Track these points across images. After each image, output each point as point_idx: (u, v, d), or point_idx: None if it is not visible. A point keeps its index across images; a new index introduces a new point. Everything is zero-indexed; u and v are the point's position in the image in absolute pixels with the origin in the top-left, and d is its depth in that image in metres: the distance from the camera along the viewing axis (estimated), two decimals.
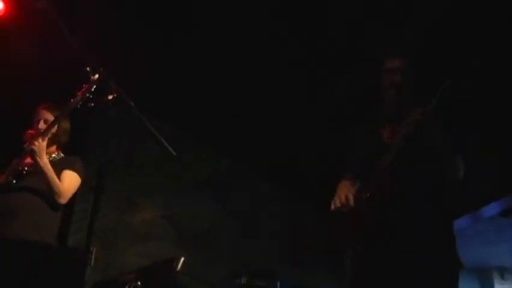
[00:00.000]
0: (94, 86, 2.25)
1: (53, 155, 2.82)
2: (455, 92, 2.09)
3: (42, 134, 2.64)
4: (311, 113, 4.18)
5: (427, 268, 1.94)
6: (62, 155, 2.88)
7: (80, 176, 2.77)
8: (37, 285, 2.32)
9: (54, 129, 2.73)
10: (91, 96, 2.28)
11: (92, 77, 2.18)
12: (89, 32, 2.99)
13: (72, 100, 2.47)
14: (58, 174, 2.67)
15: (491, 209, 4.13)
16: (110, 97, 1.96)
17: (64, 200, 2.66)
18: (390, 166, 2.08)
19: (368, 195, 2.09)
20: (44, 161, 2.59)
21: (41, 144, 2.59)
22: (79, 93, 2.41)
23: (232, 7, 3.42)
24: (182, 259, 2.41)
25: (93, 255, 1.95)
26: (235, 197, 4.66)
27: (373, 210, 2.06)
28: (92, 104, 2.12)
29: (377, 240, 2.01)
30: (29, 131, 2.74)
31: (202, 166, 4.60)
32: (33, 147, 2.57)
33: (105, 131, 2.07)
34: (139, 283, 2.34)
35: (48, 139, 2.69)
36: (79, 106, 2.43)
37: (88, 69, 2.14)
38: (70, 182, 2.72)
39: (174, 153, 2.09)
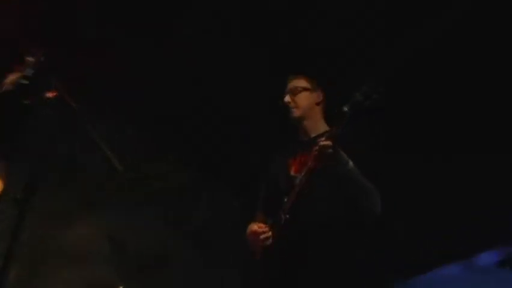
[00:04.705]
0: (29, 71, 1.93)
1: None
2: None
3: None
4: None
5: None
6: None
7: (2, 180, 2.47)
8: None
9: None
10: (24, 82, 1.98)
11: (27, 59, 1.90)
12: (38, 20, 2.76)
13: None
14: None
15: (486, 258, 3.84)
16: (49, 95, 1.80)
17: None
18: (291, 205, 1.90)
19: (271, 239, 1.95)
20: None
21: None
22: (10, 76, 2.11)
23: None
24: None
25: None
26: (195, 216, 4.35)
27: (274, 256, 1.94)
28: (28, 102, 1.93)
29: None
30: None
31: (159, 179, 4.26)
32: None
33: (41, 134, 1.85)
34: None
35: None
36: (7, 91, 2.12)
37: (27, 52, 1.89)
38: None
39: (120, 168, 1.87)
